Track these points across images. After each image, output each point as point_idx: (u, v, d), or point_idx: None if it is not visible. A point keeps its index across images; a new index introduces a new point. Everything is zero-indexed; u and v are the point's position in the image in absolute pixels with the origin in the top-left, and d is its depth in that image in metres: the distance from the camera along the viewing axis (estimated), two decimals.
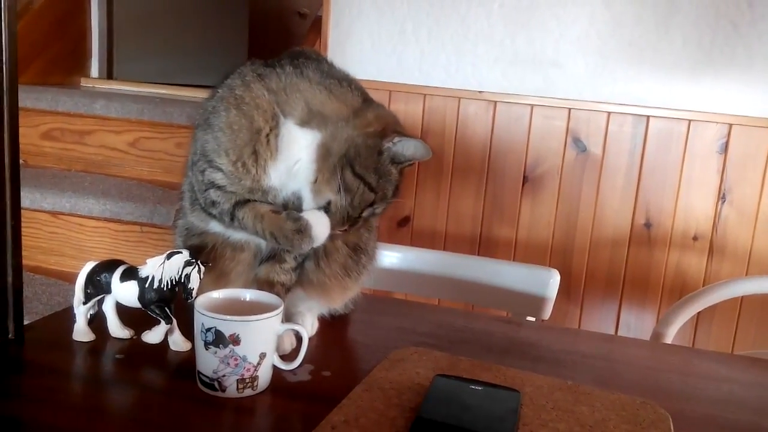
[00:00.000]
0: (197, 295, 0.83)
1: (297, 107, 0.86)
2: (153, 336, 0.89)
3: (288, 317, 0.90)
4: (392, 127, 0.87)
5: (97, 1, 2.96)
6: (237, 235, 0.93)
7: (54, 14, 2.71)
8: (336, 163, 0.85)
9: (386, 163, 0.86)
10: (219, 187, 0.86)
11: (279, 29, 3.94)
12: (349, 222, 0.88)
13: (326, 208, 0.86)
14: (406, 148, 0.86)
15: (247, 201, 0.86)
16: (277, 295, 0.86)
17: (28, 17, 2.56)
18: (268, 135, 0.85)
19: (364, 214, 0.89)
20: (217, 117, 0.86)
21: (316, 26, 2.36)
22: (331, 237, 0.90)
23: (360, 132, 0.85)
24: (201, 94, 1.07)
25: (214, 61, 3.31)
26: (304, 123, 0.86)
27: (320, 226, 0.86)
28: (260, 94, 0.85)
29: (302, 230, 0.84)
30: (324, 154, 0.85)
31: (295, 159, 0.86)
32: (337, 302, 1.01)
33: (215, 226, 0.93)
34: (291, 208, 0.88)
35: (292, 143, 0.86)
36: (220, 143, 0.85)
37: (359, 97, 0.89)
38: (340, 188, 0.85)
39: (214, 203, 0.87)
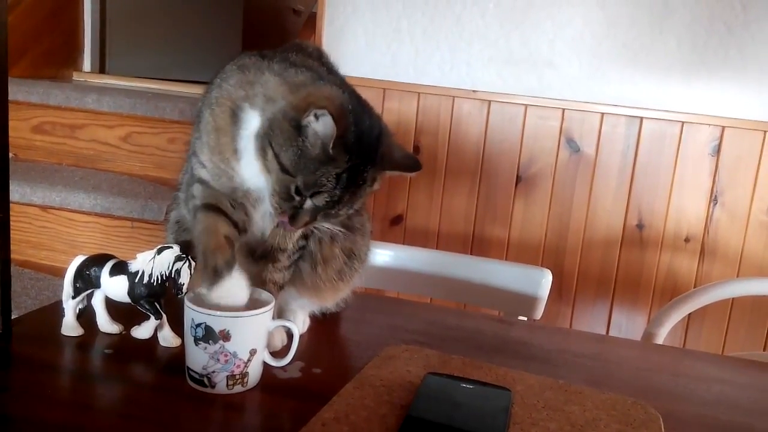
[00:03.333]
0: (187, 290, 0.83)
1: (259, 100, 0.81)
2: (142, 331, 0.88)
3: (279, 314, 0.90)
4: (321, 102, 0.74)
5: None
6: None
7: (46, 7, 2.70)
8: (260, 144, 0.79)
9: (311, 143, 0.75)
10: (203, 183, 0.86)
11: (273, 25, 3.93)
12: (286, 214, 0.79)
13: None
14: (322, 124, 0.74)
15: (216, 208, 0.84)
16: (269, 293, 0.86)
17: (19, 9, 2.54)
18: (235, 135, 0.82)
19: (322, 207, 0.78)
20: (200, 116, 0.86)
21: (311, 23, 2.36)
22: (330, 243, 0.91)
23: (283, 108, 0.77)
24: (194, 90, 1.07)
25: (208, 56, 3.29)
26: (262, 114, 0.81)
27: (232, 293, 0.81)
28: (228, 95, 0.82)
29: (216, 275, 0.80)
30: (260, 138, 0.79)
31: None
32: (329, 302, 1.00)
33: None
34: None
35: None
36: (203, 142, 0.85)
37: (308, 77, 0.80)
38: (265, 170, 0.79)
39: (193, 197, 0.87)
